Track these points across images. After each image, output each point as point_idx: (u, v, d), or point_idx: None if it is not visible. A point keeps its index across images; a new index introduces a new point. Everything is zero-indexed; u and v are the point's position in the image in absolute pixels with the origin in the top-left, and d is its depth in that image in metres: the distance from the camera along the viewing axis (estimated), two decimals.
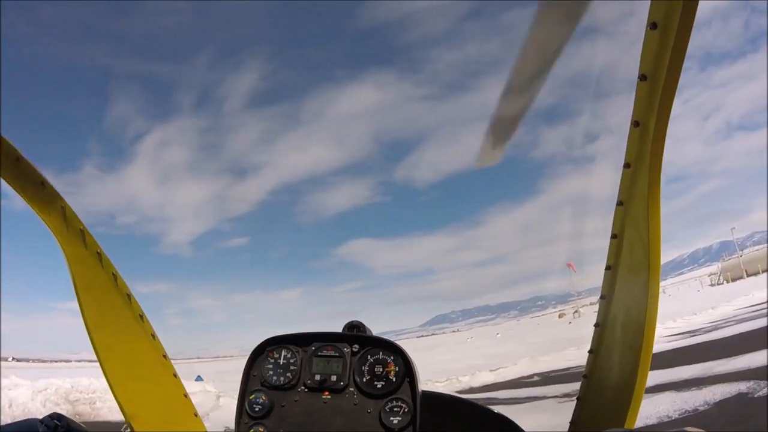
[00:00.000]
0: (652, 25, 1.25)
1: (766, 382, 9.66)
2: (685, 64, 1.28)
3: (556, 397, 12.87)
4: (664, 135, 1.34)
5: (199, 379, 21.02)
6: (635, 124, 1.41)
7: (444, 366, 25.20)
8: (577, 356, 19.81)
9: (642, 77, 1.33)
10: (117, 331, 1.98)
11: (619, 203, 1.56)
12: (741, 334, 17.92)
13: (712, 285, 73.61)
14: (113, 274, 1.97)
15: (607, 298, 1.69)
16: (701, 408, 8.81)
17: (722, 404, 8.83)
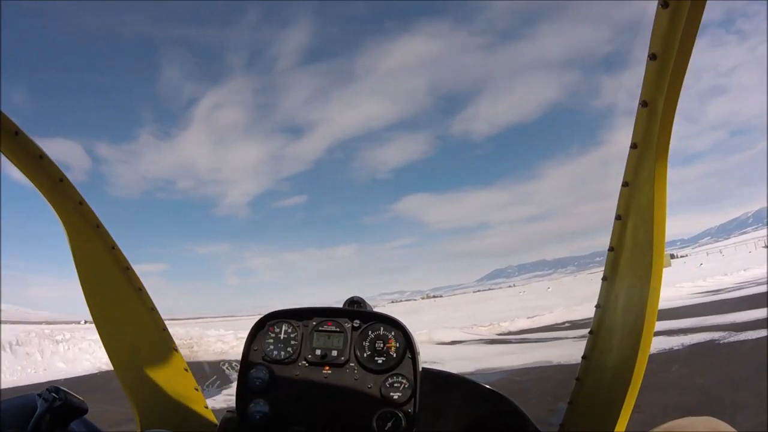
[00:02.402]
0: (664, 4, 1.19)
1: (734, 332, 11.87)
2: (698, 41, 1.20)
3: (575, 338, 15.53)
4: (673, 116, 1.29)
5: None
6: (643, 104, 1.35)
7: (490, 315, 27.93)
8: None
9: (652, 56, 1.26)
10: (116, 305, 1.94)
11: (625, 184, 1.51)
12: (757, 294, 19.50)
13: (765, 247, 71.49)
14: (112, 247, 1.94)
15: (609, 279, 1.65)
16: (675, 348, 11.05)
17: (692, 347, 11.05)
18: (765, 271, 28.85)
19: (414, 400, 1.71)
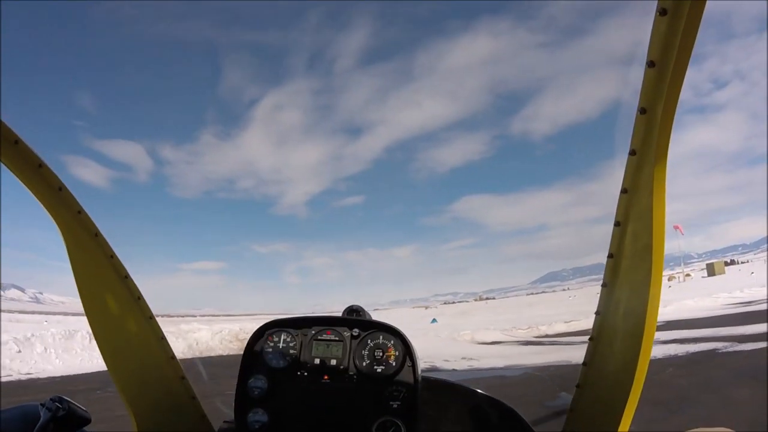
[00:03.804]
0: (662, 11, 1.18)
1: (738, 343, 13.26)
2: (694, 51, 1.19)
3: None
4: (671, 123, 1.28)
5: None
6: (642, 111, 1.33)
7: (533, 319, 29.51)
8: None
9: (650, 64, 1.25)
10: (114, 313, 1.91)
11: (624, 191, 1.49)
12: None
13: None
14: (110, 256, 1.91)
15: (609, 285, 1.62)
16: (679, 354, 12.50)
17: (694, 354, 12.51)
18: None
19: (413, 408, 1.68)
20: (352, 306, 1.98)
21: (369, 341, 1.81)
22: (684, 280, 76.08)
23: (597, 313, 1.69)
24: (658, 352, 12.83)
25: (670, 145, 1.29)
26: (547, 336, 22.05)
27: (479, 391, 2.00)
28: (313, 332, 1.86)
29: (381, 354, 1.78)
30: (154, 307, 2.05)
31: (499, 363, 14.43)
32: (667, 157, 1.30)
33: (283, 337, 1.87)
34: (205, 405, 2.17)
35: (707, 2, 1.11)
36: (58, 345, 18.99)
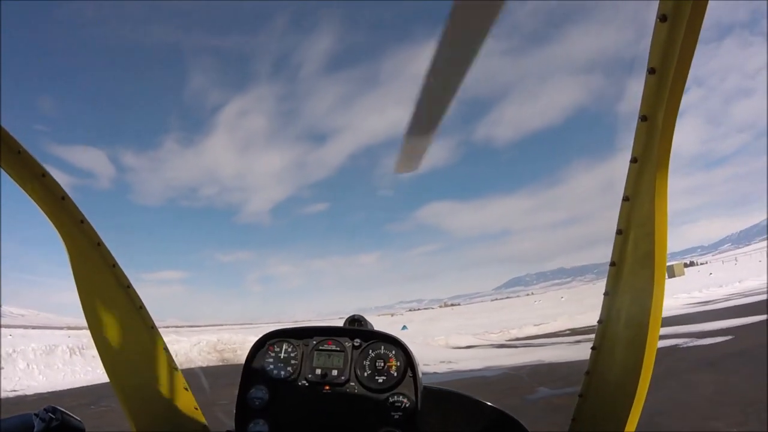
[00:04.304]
0: (662, 18, 1.17)
1: (696, 339, 14.56)
2: (695, 58, 1.18)
3: (569, 342, 18.51)
4: (672, 130, 1.26)
5: None
6: (643, 118, 1.31)
7: (502, 323, 30.86)
8: None
9: (651, 71, 1.24)
10: (116, 323, 1.91)
11: (625, 198, 1.45)
12: (736, 306, 21.90)
13: None
14: (113, 265, 1.91)
15: (611, 294, 1.57)
16: None
17: (657, 350, 13.50)
18: (755, 284, 30.91)
19: (415, 419, 1.68)
20: (353, 316, 1.96)
21: (370, 351, 1.81)
22: None
23: (599, 322, 1.64)
24: None
25: (671, 152, 1.29)
26: (518, 339, 23.08)
27: (482, 400, 1.96)
28: (315, 342, 1.86)
29: (382, 364, 1.78)
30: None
31: (477, 365, 15.25)
32: (668, 164, 1.29)
33: (284, 348, 1.87)
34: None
35: (707, 8, 1.11)
36: (40, 361, 18.84)
